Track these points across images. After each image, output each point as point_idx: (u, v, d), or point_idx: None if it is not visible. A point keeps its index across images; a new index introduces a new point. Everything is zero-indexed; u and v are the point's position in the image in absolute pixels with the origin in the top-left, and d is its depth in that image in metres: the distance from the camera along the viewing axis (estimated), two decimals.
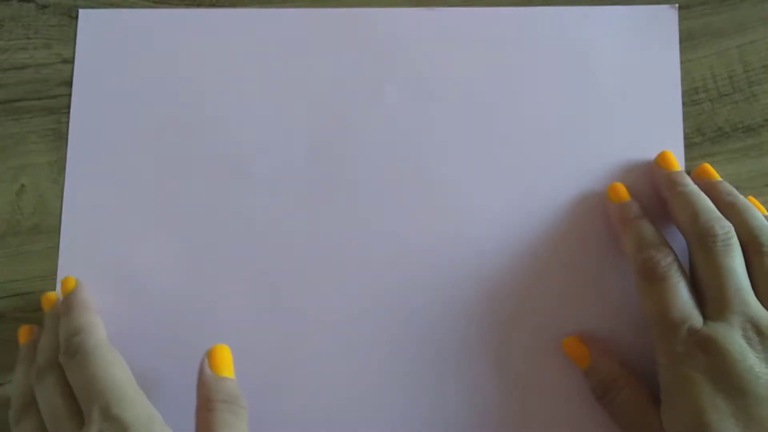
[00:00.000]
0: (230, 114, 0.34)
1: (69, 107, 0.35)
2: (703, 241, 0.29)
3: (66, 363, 0.29)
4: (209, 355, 0.29)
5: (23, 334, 0.32)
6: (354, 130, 0.34)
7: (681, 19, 0.35)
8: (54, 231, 0.34)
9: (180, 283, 0.33)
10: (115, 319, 0.32)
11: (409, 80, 0.34)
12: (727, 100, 0.35)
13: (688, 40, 0.35)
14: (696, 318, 0.28)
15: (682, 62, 0.35)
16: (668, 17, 0.34)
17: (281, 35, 0.34)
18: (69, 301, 0.31)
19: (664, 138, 0.33)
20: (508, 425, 0.31)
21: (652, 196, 0.33)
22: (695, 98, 0.35)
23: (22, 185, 0.34)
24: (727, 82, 0.35)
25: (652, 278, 0.29)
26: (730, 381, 0.26)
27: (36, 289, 0.33)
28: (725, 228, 0.29)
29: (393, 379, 0.32)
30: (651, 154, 0.33)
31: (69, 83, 0.35)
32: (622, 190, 0.32)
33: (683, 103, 0.35)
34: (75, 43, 0.35)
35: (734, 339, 0.27)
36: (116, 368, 0.28)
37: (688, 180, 0.31)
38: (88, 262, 0.33)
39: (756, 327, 0.27)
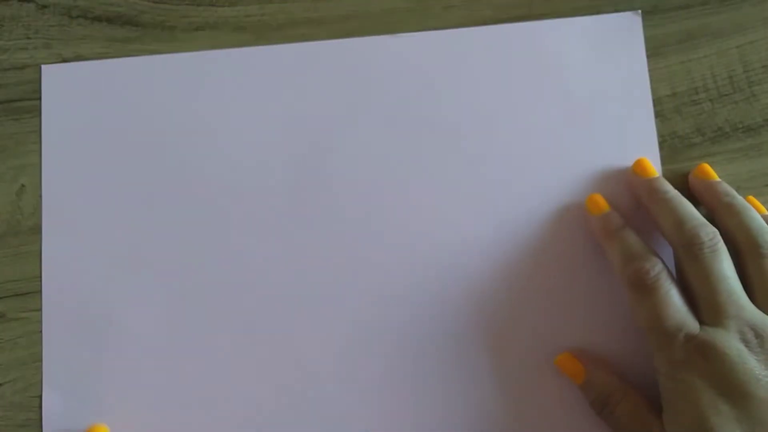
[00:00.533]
0: (204, 155, 0.34)
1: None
2: (689, 248, 0.29)
3: None
4: None
5: None
6: (330, 159, 0.33)
7: (681, 18, 0.35)
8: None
9: (163, 329, 0.33)
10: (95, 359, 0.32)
11: (384, 103, 0.34)
12: (727, 100, 0.35)
13: (688, 40, 0.35)
14: (692, 324, 0.28)
15: (682, 62, 0.35)
16: (632, 24, 0.34)
17: (250, 72, 0.34)
18: None
19: (638, 145, 0.33)
20: None
21: (632, 204, 0.33)
22: (695, 98, 0.35)
23: (22, 185, 0.34)
24: (727, 82, 0.35)
25: (642, 289, 0.29)
26: (730, 385, 0.26)
27: (36, 289, 0.33)
28: (710, 234, 0.29)
29: (386, 404, 0.32)
30: (627, 162, 0.33)
31: None
32: (602, 202, 0.32)
33: (683, 103, 0.35)
34: (41, 101, 0.34)
35: (732, 343, 0.27)
36: None
37: (669, 186, 0.31)
38: (70, 319, 0.33)
39: (753, 330, 0.27)
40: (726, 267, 0.28)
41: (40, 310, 0.33)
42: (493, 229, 0.33)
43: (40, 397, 0.32)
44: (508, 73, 0.34)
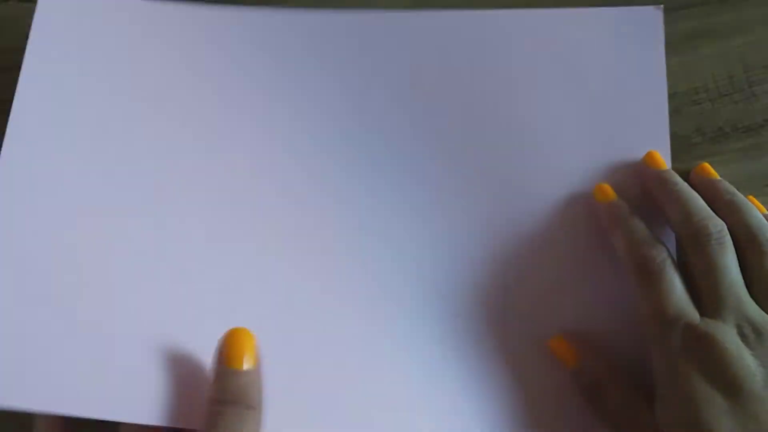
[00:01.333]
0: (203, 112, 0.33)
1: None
2: (696, 239, 0.29)
3: None
4: (221, 343, 0.28)
5: None
6: (342, 138, 0.33)
7: (681, 19, 0.35)
8: None
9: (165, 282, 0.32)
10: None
11: (399, 82, 0.34)
12: (727, 100, 0.35)
13: (688, 40, 0.35)
14: (692, 314, 0.28)
15: (682, 62, 0.35)
16: (653, 18, 0.34)
17: (266, 35, 0.34)
18: None
19: (650, 139, 0.33)
20: (496, 424, 0.31)
21: (640, 197, 0.33)
22: (695, 98, 0.35)
23: None
24: (727, 83, 0.35)
25: (647, 275, 0.29)
26: (726, 378, 0.26)
27: None
28: (718, 227, 0.29)
29: (382, 379, 0.32)
30: (638, 155, 0.33)
31: None
32: (609, 191, 0.32)
33: (683, 103, 0.35)
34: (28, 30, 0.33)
35: (730, 337, 0.27)
36: None
37: (679, 179, 0.31)
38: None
39: (752, 325, 0.27)
40: (730, 261, 0.28)
41: None
42: (498, 214, 0.33)
43: None
44: (521, 59, 0.34)
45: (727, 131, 0.35)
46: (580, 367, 0.30)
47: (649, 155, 0.32)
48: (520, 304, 0.32)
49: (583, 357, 0.31)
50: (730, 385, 0.26)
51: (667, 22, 0.35)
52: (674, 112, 0.35)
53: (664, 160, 0.32)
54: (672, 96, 0.35)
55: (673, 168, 0.33)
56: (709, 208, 0.30)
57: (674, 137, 0.34)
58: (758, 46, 0.35)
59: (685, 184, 0.31)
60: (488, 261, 0.33)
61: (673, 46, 0.35)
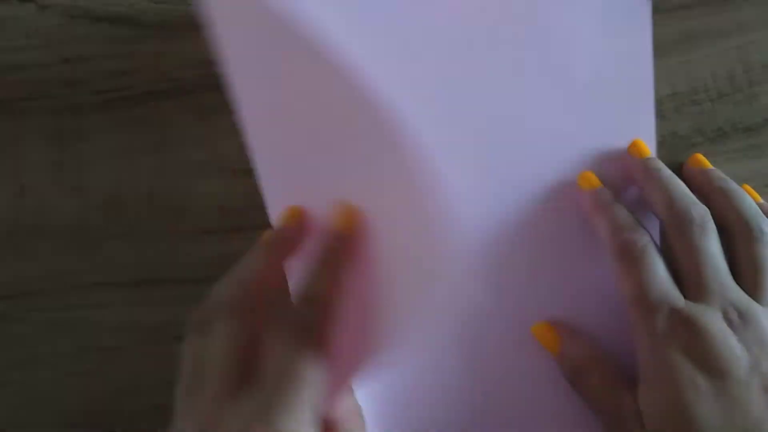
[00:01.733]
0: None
1: (71, 107, 0.35)
2: (679, 224, 0.29)
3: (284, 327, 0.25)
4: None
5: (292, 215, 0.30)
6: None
7: (681, 18, 0.35)
8: (54, 231, 0.34)
9: None
10: None
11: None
12: (727, 100, 0.35)
13: (688, 40, 0.35)
14: (676, 298, 0.28)
15: (681, 62, 0.35)
16: (641, 3, 0.34)
17: None
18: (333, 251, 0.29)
19: (636, 127, 0.33)
20: (481, 411, 0.31)
21: (624, 186, 0.33)
22: (695, 98, 0.35)
23: (22, 186, 0.34)
24: (727, 83, 0.35)
25: (629, 259, 0.29)
26: (710, 362, 0.26)
27: (35, 289, 0.33)
28: (701, 212, 0.29)
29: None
30: (623, 143, 0.33)
31: (69, 83, 0.35)
32: (593, 178, 0.32)
33: (683, 103, 0.35)
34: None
35: (715, 320, 0.27)
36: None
37: (663, 165, 0.31)
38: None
39: (738, 310, 0.27)
40: (714, 246, 0.28)
41: (39, 309, 0.33)
42: (482, 202, 0.33)
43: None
44: (506, 40, 0.34)
45: (727, 131, 0.34)
46: (562, 353, 0.31)
47: (633, 144, 0.33)
48: (505, 290, 0.32)
49: (566, 342, 0.31)
50: (715, 369, 0.26)
51: (667, 22, 0.35)
52: (674, 112, 0.35)
53: (649, 148, 0.33)
54: (672, 96, 0.35)
55: (672, 168, 0.33)
56: (692, 195, 0.30)
57: (674, 137, 0.34)
58: (758, 46, 0.35)
59: (669, 171, 0.31)
60: (471, 248, 0.32)
61: (672, 45, 0.35)
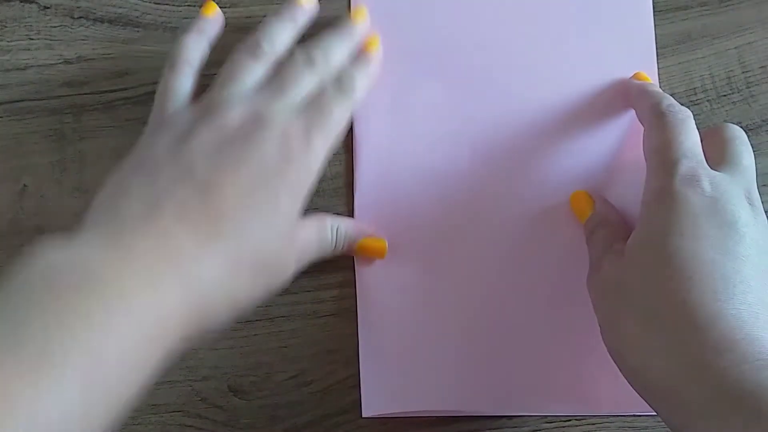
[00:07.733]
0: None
1: (73, 107, 0.35)
2: (663, 114, 0.30)
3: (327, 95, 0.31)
4: None
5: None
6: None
7: (680, 19, 0.35)
8: (55, 231, 0.34)
9: None
10: None
11: None
12: (725, 101, 0.35)
13: (686, 41, 0.35)
14: (704, 159, 0.28)
15: (680, 63, 0.35)
16: None
17: None
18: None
19: (637, 57, 0.35)
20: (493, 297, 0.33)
21: (628, 115, 0.34)
22: (694, 99, 0.35)
23: (24, 185, 0.34)
24: (726, 83, 0.35)
25: (672, 118, 0.29)
26: (727, 217, 0.27)
27: None
28: (684, 108, 0.30)
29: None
30: (626, 74, 0.34)
31: (70, 84, 0.35)
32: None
33: (682, 104, 0.35)
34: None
35: (739, 190, 0.28)
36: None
37: (657, 88, 0.33)
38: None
39: (749, 197, 0.28)
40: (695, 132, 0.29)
41: None
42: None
43: None
44: None
45: None
46: (592, 214, 0.32)
47: (635, 76, 0.34)
48: (533, 170, 0.34)
49: (599, 206, 0.32)
50: (727, 224, 0.26)
51: (666, 23, 0.35)
52: None
53: (650, 78, 0.34)
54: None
55: None
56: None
57: None
58: (756, 47, 0.35)
59: (661, 91, 0.32)
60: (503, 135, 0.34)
61: (671, 46, 0.35)
